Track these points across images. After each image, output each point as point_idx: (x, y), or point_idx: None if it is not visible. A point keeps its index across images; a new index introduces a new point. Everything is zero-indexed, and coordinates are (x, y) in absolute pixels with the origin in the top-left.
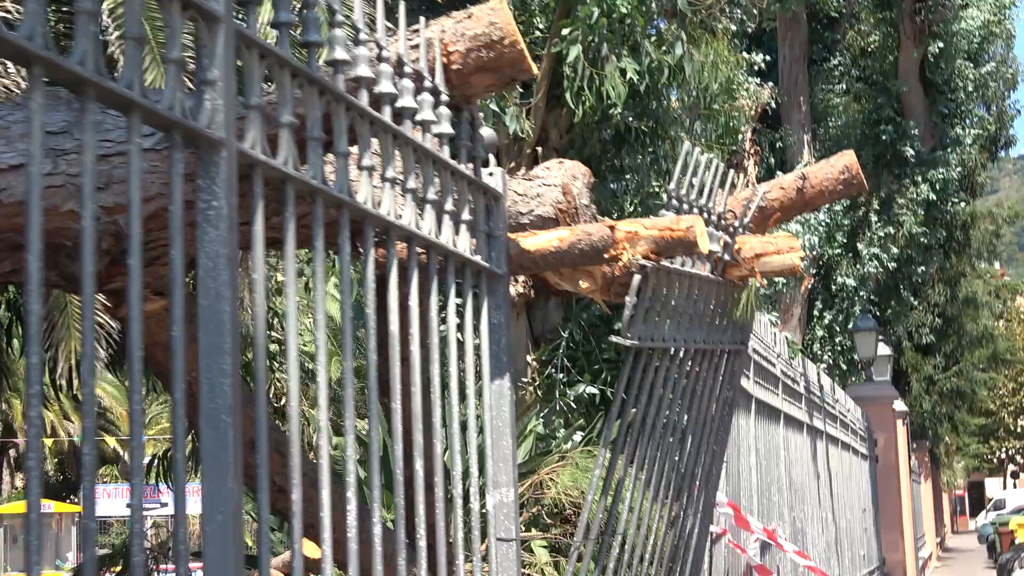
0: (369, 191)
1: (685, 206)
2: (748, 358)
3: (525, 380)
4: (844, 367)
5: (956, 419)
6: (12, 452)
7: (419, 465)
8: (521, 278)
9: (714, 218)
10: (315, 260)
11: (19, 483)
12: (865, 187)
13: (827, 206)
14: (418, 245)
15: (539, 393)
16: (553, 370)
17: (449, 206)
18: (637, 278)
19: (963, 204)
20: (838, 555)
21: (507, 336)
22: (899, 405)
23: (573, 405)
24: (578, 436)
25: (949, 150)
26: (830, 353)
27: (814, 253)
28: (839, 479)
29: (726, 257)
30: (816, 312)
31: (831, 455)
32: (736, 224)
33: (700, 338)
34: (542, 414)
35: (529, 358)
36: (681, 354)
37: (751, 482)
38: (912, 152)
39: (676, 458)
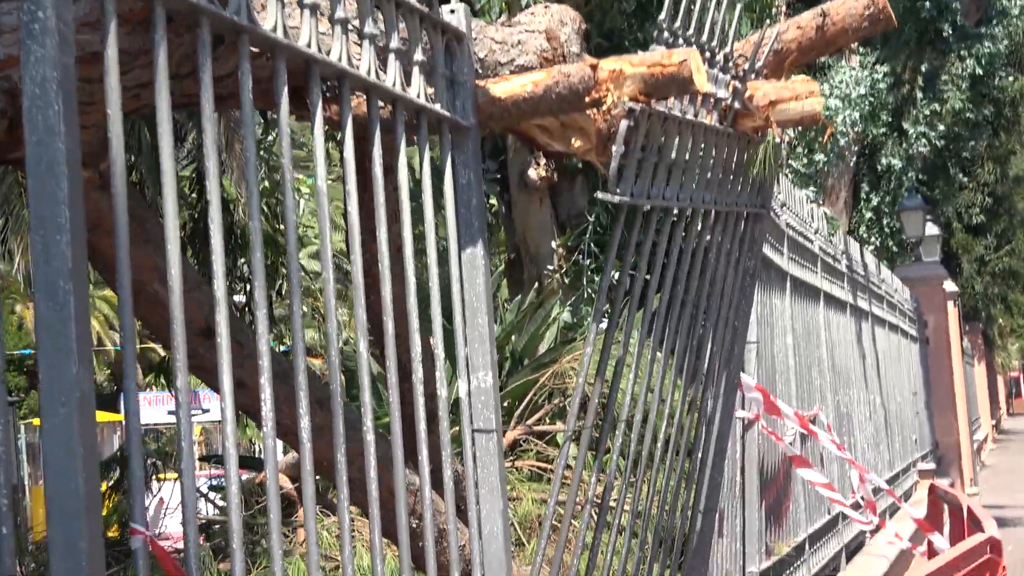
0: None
1: (681, 41)
2: (776, 228)
3: (551, 267)
4: (894, 249)
5: (1010, 300)
6: None
7: (392, 349)
8: (543, 161)
9: (719, 59)
10: (243, 113)
11: None
12: (893, 21)
13: (870, 83)
14: (353, 88)
15: (565, 280)
16: (580, 256)
17: (395, 43)
18: (625, 124)
19: (1011, 79)
20: (888, 439)
21: (478, 197)
22: (949, 286)
23: (616, 294)
24: (604, 323)
25: (995, 23)
26: (878, 236)
27: (856, 130)
28: (887, 361)
29: (736, 105)
30: (863, 194)
31: (878, 337)
32: (746, 68)
33: (710, 199)
34: (569, 302)
35: (554, 244)
36: (688, 217)
37: (788, 365)
38: (954, 26)
39: (689, 334)
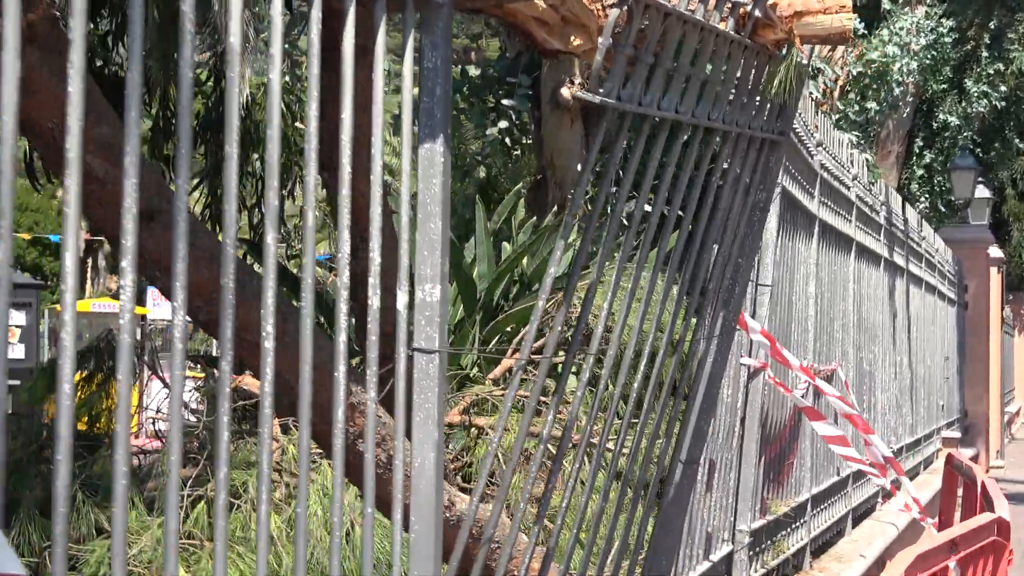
0: None
1: None
2: (808, 168)
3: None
4: (942, 209)
5: None
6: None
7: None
8: (577, 79)
9: None
10: None
11: (112, 285)
12: None
13: (933, 36)
14: None
15: (589, 206)
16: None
17: None
18: (615, 13)
19: None
20: (912, 403)
21: (444, 86)
22: (995, 251)
23: (625, 222)
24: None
25: None
26: (928, 194)
27: (913, 80)
28: (920, 322)
29: (757, 13)
30: (916, 150)
31: (912, 295)
32: None
33: (718, 117)
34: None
35: (580, 167)
36: (689, 134)
37: (806, 314)
38: None
39: (682, 264)
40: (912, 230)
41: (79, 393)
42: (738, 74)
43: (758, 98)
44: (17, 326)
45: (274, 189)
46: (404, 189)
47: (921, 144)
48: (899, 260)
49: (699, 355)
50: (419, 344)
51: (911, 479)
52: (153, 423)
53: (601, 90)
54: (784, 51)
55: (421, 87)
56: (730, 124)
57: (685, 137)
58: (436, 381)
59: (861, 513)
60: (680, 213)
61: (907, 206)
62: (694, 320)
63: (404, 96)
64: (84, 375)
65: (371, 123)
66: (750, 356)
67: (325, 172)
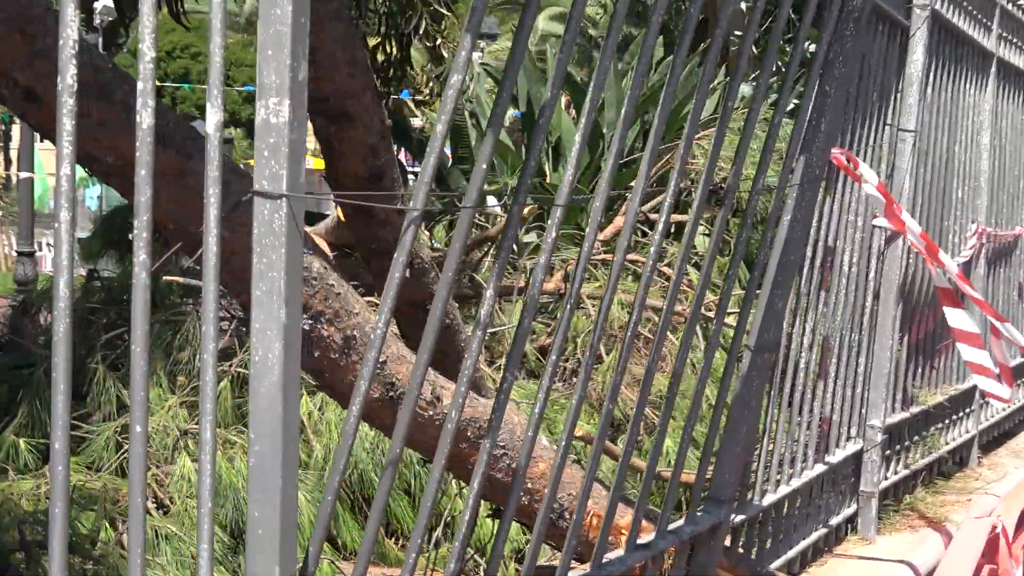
0: None
1: None
2: None
3: (738, 33)
4: None
5: None
6: None
7: None
8: None
9: None
10: None
11: None
12: None
13: None
14: None
15: (755, 50)
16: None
17: None
18: None
19: None
20: None
21: None
22: None
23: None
24: (747, 89)
25: None
26: None
27: None
28: None
29: None
30: None
31: None
32: None
33: None
34: (753, 76)
35: (744, 6)
36: None
37: (978, 169)
38: None
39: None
40: None
41: None
42: None
43: None
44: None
45: None
46: None
47: None
48: None
49: (772, 207)
50: (260, 185)
51: None
52: None
53: None
54: None
55: None
56: None
57: None
58: (283, 238)
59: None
60: None
61: None
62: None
63: None
64: None
65: None
66: (878, 215)
67: None
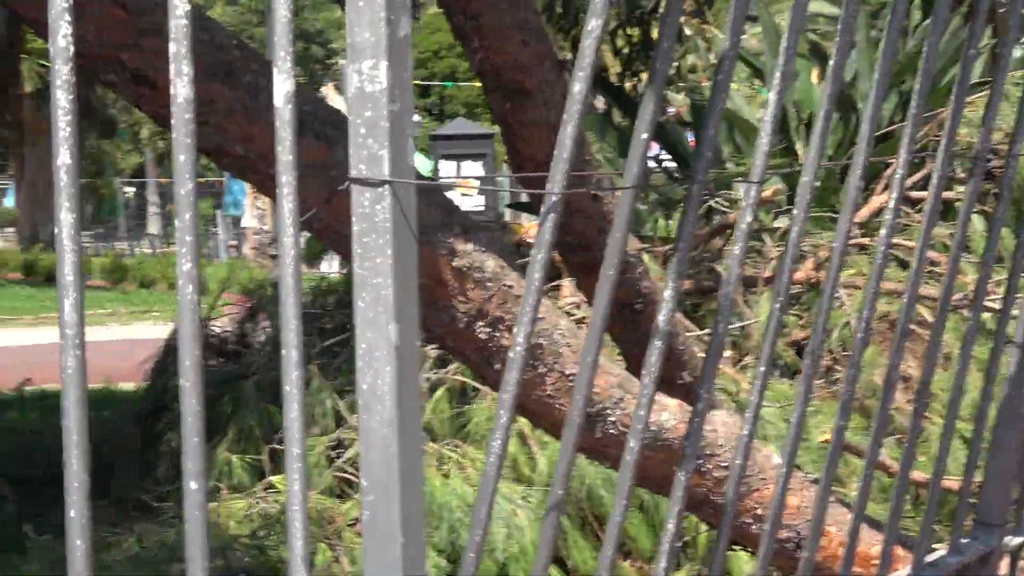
0: None
1: None
2: None
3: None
4: None
5: None
6: None
7: None
8: None
9: None
10: None
11: None
12: None
13: None
14: None
15: None
16: None
17: None
18: None
19: None
20: None
21: None
22: None
23: None
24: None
25: None
26: None
27: None
28: None
29: None
30: None
31: None
32: None
33: None
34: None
35: None
36: None
37: None
38: None
39: None
40: None
41: None
42: None
43: None
44: (476, 177)
45: None
46: None
47: None
48: None
49: None
50: (357, 171)
51: None
52: None
53: None
54: None
55: None
56: None
57: None
58: (388, 236)
59: None
60: None
61: None
62: None
63: None
64: None
65: None
66: None
67: None
